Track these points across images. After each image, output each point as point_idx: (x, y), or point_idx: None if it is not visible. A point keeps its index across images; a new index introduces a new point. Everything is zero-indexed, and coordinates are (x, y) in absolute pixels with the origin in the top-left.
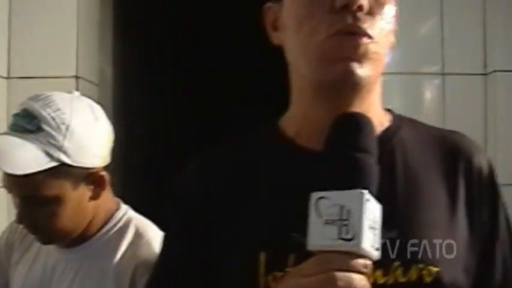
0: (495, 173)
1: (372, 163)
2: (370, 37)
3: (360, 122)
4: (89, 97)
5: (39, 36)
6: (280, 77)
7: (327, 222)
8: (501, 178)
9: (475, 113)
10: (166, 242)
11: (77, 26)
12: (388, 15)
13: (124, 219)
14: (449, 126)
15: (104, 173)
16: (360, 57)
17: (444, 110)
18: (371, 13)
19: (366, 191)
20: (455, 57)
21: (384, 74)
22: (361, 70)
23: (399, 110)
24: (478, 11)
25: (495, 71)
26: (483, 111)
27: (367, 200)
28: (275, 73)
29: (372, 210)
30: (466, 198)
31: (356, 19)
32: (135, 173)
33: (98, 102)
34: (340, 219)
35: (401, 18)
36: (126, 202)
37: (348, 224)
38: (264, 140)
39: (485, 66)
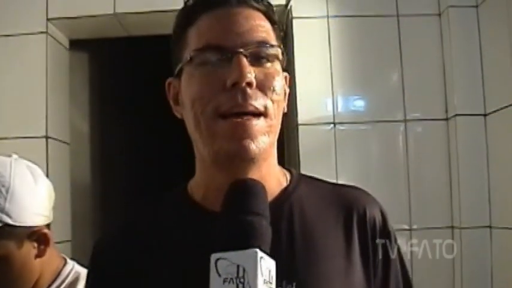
0: (388, 221)
1: (264, 224)
2: (261, 114)
3: (251, 188)
4: (60, 156)
5: (8, 96)
6: None
7: (226, 280)
8: (465, 221)
9: (438, 157)
10: None
11: (46, 85)
12: (278, 87)
13: (72, 274)
14: (414, 170)
15: (46, 230)
16: (253, 135)
17: (408, 154)
18: (261, 88)
19: (258, 250)
20: (418, 104)
21: (351, 123)
22: (255, 146)
23: (368, 156)
24: (436, 59)
25: (456, 115)
26: (446, 154)
27: (261, 257)
28: None
29: (266, 267)
30: (360, 247)
31: (246, 97)
32: None
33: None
34: (237, 277)
35: (365, 73)
36: None
37: (243, 281)
38: (174, 204)
39: (446, 111)
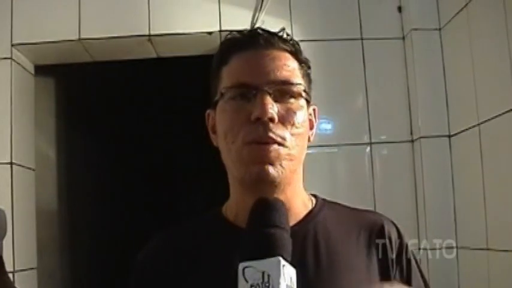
0: (404, 237)
1: (285, 236)
2: (280, 144)
3: (272, 204)
4: (25, 182)
5: None
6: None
7: (253, 286)
8: (431, 237)
9: (404, 178)
10: None
11: (10, 111)
12: (299, 121)
13: None
14: (380, 192)
15: None
16: (272, 161)
17: (373, 177)
18: (282, 122)
19: (281, 258)
20: (383, 127)
21: (317, 146)
22: (274, 171)
23: (334, 178)
24: (401, 82)
25: (421, 137)
26: (412, 176)
27: (283, 265)
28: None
29: (288, 273)
30: (380, 261)
31: (267, 129)
32: (84, 255)
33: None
34: (262, 282)
35: (330, 97)
36: (75, 281)
37: (268, 285)
38: (209, 222)
39: (411, 133)
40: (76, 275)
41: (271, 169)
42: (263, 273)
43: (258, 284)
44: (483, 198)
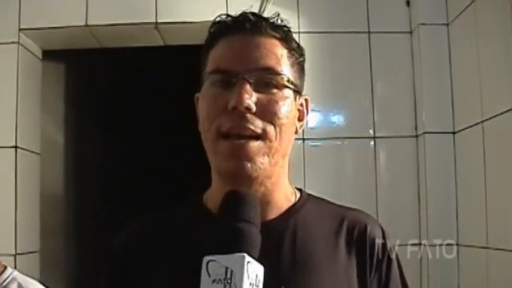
0: (388, 240)
1: (253, 231)
2: (258, 137)
3: (243, 197)
4: (30, 166)
5: None
6: None
7: (215, 281)
8: (432, 233)
9: (407, 174)
10: None
11: (16, 95)
12: (281, 112)
13: (9, 279)
14: (383, 186)
15: None
16: (251, 157)
17: (377, 171)
18: (263, 113)
19: (246, 255)
20: (388, 121)
21: (321, 139)
22: (250, 165)
23: (337, 172)
24: (407, 76)
25: (425, 132)
26: (415, 171)
27: (248, 262)
28: None
29: (253, 271)
30: (359, 262)
31: (244, 120)
32: (90, 240)
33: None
34: (225, 278)
35: (335, 90)
36: (81, 265)
37: (230, 282)
38: (188, 210)
39: (415, 128)
40: (80, 260)
41: (248, 165)
42: (226, 268)
43: (220, 280)
44: (485, 196)
